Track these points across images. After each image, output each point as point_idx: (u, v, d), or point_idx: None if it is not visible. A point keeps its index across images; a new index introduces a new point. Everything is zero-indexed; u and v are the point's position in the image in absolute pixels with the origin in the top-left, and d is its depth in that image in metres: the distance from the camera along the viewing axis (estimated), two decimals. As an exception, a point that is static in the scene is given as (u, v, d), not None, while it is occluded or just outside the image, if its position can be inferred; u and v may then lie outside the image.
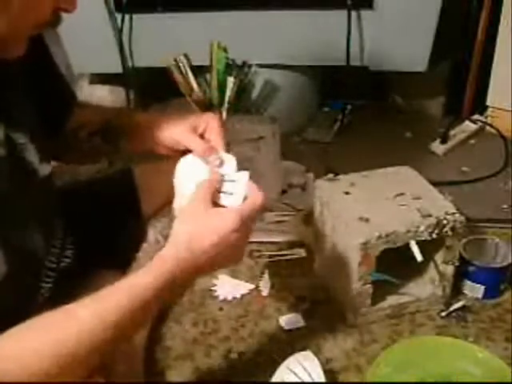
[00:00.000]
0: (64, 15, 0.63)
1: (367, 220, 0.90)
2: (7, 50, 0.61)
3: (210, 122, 0.78)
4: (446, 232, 0.91)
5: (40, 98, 0.78)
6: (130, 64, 1.63)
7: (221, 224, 0.64)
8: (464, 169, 1.45)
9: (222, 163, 0.74)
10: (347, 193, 0.98)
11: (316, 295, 1.03)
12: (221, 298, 1.03)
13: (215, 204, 0.68)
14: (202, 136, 0.78)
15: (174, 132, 0.79)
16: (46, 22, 0.61)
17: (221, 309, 1.00)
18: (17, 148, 0.68)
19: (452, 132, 1.57)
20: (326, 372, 0.80)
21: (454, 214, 0.91)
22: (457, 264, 0.95)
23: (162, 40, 1.55)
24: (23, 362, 0.55)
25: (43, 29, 0.63)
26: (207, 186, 0.68)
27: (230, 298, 1.03)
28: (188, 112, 0.81)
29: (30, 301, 0.71)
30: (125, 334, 0.62)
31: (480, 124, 1.61)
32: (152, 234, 1.02)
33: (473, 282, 1.00)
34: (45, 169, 0.73)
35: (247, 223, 0.66)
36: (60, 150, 0.87)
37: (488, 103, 1.61)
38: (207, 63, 1.47)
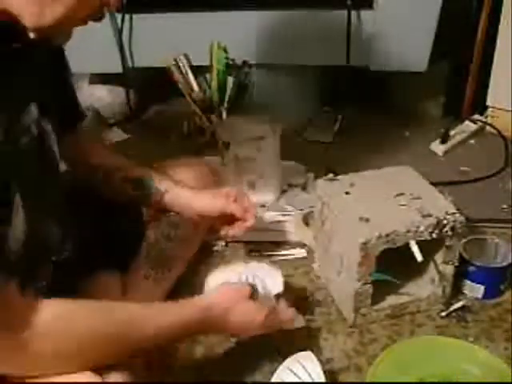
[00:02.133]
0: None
1: (367, 220, 0.90)
2: (56, 37, 0.66)
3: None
4: (446, 232, 0.91)
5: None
6: (130, 64, 1.63)
7: (254, 314, 0.79)
8: (464, 169, 1.45)
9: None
10: (347, 193, 0.98)
11: (316, 295, 1.03)
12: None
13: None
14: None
15: (213, 202, 0.95)
16: (91, 16, 0.65)
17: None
18: (46, 135, 0.72)
19: (452, 132, 1.57)
20: (326, 372, 0.80)
21: (454, 214, 0.91)
22: (457, 264, 0.96)
23: (162, 40, 1.55)
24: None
25: (88, 21, 0.66)
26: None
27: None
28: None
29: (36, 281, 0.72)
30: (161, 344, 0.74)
31: (480, 124, 1.61)
32: (152, 234, 1.02)
33: (473, 282, 1.00)
34: (63, 165, 0.79)
35: (270, 324, 0.81)
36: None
37: (488, 103, 1.61)
38: (207, 63, 1.47)
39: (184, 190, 0.95)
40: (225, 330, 0.80)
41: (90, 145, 0.96)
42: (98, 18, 0.66)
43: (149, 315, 0.70)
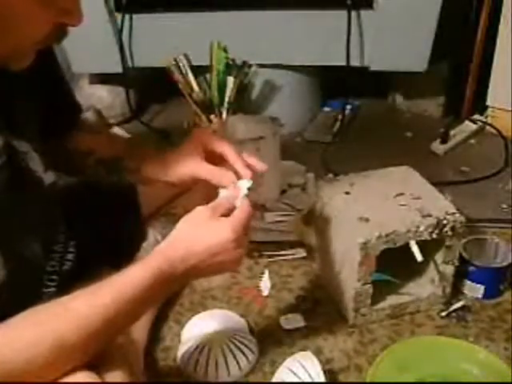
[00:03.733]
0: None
1: (367, 220, 0.90)
2: (11, 64, 0.62)
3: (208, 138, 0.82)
4: (446, 232, 0.91)
5: (46, 107, 0.78)
6: (130, 64, 1.63)
7: (216, 231, 0.69)
8: (464, 169, 1.45)
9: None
10: (347, 193, 0.98)
11: (316, 295, 1.03)
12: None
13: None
14: (213, 153, 0.81)
15: (188, 169, 0.81)
16: (49, 37, 0.61)
17: (221, 309, 1.00)
18: (18, 156, 0.68)
19: (452, 132, 1.57)
20: (326, 372, 0.80)
21: (454, 214, 0.91)
22: (457, 264, 0.96)
23: (162, 40, 1.55)
24: (21, 350, 0.56)
25: (48, 43, 0.63)
26: (223, 201, 0.73)
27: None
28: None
29: (33, 305, 0.71)
30: (119, 324, 0.64)
31: (480, 124, 1.61)
32: (152, 233, 1.02)
33: (473, 282, 1.00)
34: (50, 177, 0.74)
35: (240, 232, 0.69)
36: (63, 163, 0.87)
37: (488, 103, 1.61)
38: (207, 63, 1.48)
39: (153, 161, 0.85)
40: (199, 269, 0.69)
41: (90, 136, 0.93)
42: (59, 37, 0.63)
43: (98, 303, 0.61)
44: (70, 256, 0.82)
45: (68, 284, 0.78)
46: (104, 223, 0.94)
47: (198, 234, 0.69)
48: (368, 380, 0.82)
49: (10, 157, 0.65)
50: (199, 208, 0.71)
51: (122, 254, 0.96)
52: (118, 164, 0.88)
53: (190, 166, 0.81)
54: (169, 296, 0.97)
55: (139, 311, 0.67)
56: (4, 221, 0.63)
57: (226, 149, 0.80)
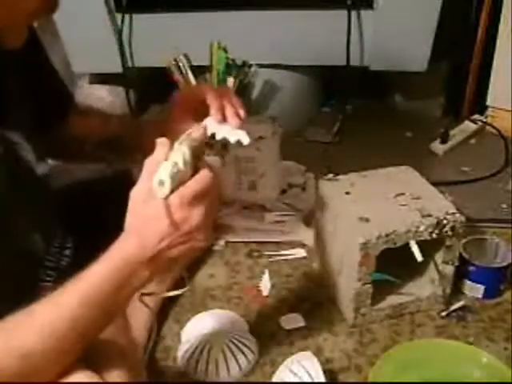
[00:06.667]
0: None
1: (367, 220, 0.90)
2: (5, 41, 0.62)
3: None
4: (446, 232, 0.91)
5: (36, 97, 0.78)
6: (130, 64, 1.63)
7: (159, 214, 0.61)
8: (464, 169, 1.45)
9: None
10: (347, 193, 0.98)
11: (316, 295, 1.03)
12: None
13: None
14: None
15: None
16: (41, 9, 0.60)
17: (221, 309, 1.00)
18: (12, 147, 0.68)
19: (452, 132, 1.57)
20: (326, 372, 0.80)
21: (454, 213, 0.91)
22: (457, 264, 0.96)
23: (162, 40, 1.55)
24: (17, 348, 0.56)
25: (39, 16, 0.62)
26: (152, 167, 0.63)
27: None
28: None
29: (30, 300, 0.71)
30: (91, 322, 0.62)
31: (480, 124, 1.61)
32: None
33: (473, 282, 1.00)
34: (42, 168, 0.73)
35: (192, 204, 0.61)
36: (60, 151, 0.87)
37: (488, 103, 1.61)
38: (207, 63, 1.48)
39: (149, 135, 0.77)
40: (153, 252, 0.63)
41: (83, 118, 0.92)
42: (51, 9, 0.61)
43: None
44: (67, 252, 0.82)
45: (66, 279, 0.78)
46: (103, 223, 0.94)
47: (142, 219, 0.62)
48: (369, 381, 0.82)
49: (4, 148, 0.65)
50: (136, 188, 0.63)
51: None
52: (117, 142, 0.86)
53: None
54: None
55: (108, 304, 0.63)
56: (1, 212, 0.63)
57: (209, 100, 0.79)
